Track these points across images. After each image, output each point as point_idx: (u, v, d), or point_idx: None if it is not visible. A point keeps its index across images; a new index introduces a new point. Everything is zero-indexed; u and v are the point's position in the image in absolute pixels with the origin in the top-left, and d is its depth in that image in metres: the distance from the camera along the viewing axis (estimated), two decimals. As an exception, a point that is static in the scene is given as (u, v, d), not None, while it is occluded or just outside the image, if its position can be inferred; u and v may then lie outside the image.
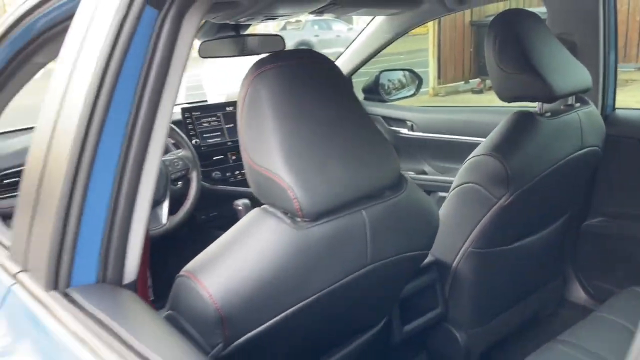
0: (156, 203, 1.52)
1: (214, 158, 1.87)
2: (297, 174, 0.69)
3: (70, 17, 0.91)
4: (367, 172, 0.77)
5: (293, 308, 0.74)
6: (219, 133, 1.88)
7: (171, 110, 0.72)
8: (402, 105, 2.22)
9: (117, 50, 0.66)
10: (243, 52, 1.58)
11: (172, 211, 1.58)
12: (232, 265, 0.72)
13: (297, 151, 0.70)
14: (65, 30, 0.98)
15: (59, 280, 0.66)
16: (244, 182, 1.88)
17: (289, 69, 0.75)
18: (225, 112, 1.91)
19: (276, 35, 1.63)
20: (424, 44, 7.95)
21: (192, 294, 0.71)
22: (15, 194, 1.47)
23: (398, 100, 2.28)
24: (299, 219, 0.72)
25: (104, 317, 0.60)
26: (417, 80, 2.31)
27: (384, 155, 0.80)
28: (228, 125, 1.90)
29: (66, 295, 0.65)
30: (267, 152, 0.70)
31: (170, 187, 1.58)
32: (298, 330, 0.81)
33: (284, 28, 13.15)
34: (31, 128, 1.75)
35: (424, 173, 1.98)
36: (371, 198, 0.79)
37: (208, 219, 1.85)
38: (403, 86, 2.37)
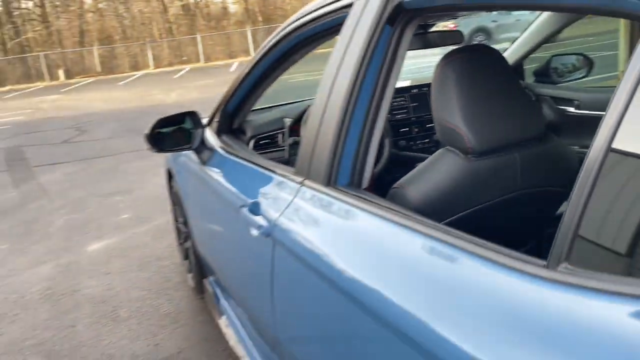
0: None
1: (400, 130, 2.33)
2: (470, 125, 1.10)
3: (321, 32, 1.43)
4: (519, 126, 1.15)
5: (465, 212, 1.16)
6: (405, 110, 2.33)
7: (392, 91, 1.14)
8: (570, 86, 2.41)
9: (367, 54, 1.09)
10: (428, 45, 1.99)
11: None
12: (428, 181, 1.16)
13: (470, 111, 1.11)
14: (316, 40, 1.51)
15: (331, 181, 1.16)
16: (424, 150, 2.31)
17: (468, 58, 1.16)
18: (411, 93, 2.35)
19: (456, 30, 2.00)
20: (616, 24, 7.37)
21: (403, 198, 1.17)
22: (266, 151, 2.11)
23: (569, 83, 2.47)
24: (469, 155, 1.13)
25: (367, 195, 1.07)
26: (589, 63, 2.47)
27: (533, 116, 1.17)
28: (413, 104, 2.34)
29: (337, 188, 1.15)
30: (451, 111, 1.13)
31: None
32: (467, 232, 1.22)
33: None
34: (269, 107, 2.41)
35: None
36: (522, 146, 1.16)
37: (394, 179, 2.32)
38: (575, 69, 2.54)
